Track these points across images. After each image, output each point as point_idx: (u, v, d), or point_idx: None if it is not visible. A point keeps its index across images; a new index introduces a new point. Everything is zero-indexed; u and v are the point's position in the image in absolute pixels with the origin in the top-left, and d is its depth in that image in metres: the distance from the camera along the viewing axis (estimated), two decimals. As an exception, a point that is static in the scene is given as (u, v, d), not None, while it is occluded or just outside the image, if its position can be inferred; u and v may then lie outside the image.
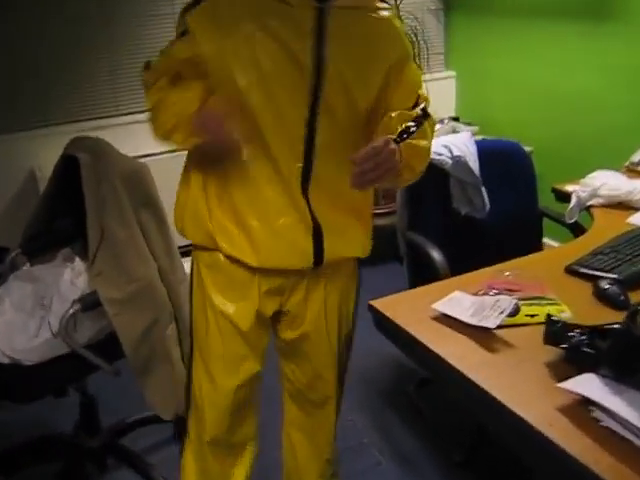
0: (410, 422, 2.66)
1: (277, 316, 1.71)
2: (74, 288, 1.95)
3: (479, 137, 3.71)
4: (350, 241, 1.67)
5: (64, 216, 2.27)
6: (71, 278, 1.97)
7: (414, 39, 3.67)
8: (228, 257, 1.59)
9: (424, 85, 1.65)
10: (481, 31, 3.92)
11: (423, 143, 1.52)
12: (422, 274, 2.44)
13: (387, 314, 1.72)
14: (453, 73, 4.17)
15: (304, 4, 1.44)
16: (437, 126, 3.88)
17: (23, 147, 3.25)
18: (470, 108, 4.13)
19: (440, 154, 2.41)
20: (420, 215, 2.48)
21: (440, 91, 4.00)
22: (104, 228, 1.94)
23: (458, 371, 1.46)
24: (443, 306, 1.67)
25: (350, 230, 1.66)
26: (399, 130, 1.47)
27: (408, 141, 1.46)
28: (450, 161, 2.40)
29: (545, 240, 2.78)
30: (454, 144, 2.43)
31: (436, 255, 2.27)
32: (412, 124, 1.48)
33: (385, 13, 1.56)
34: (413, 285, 2.53)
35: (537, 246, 2.60)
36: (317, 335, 1.73)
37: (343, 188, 1.48)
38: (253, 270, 1.59)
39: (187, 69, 1.50)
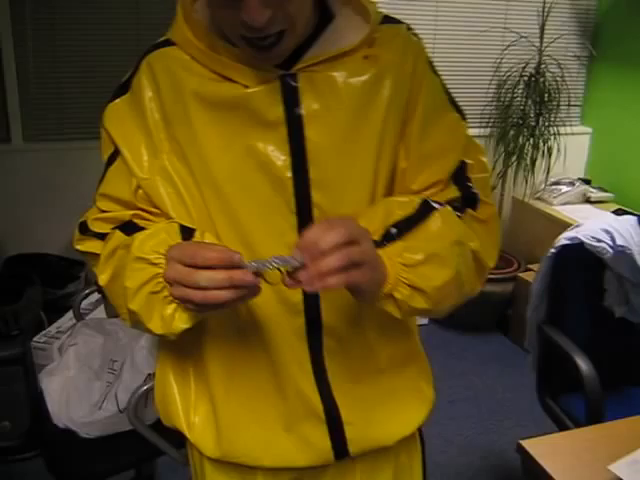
0: None
1: None
2: (151, 359, 1.63)
3: (614, 207, 3.27)
4: (393, 416, 1.07)
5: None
6: (149, 347, 1.64)
7: (556, 87, 3.23)
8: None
9: (481, 149, 1.03)
10: (627, 86, 3.45)
11: (439, 248, 0.88)
12: (558, 378, 2.05)
13: (544, 465, 1.32)
14: (589, 129, 3.70)
15: (264, 79, 0.89)
16: (564, 188, 3.44)
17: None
18: (604, 171, 3.65)
19: (599, 240, 1.98)
20: (562, 309, 2.06)
21: (572, 148, 3.55)
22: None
23: None
24: (625, 472, 1.26)
25: (394, 397, 1.08)
26: (379, 232, 0.88)
27: (407, 243, 0.87)
28: (611, 251, 1.97)
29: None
30: (617, 230, 2.00)
31: (584, 367, 1.84)
32: (403, 214, 0.89)
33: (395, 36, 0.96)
34: (542, 387, 2.11)
35: None
36: None
37: (373, 335, 1.02)
38: (251, 475, 1.08)
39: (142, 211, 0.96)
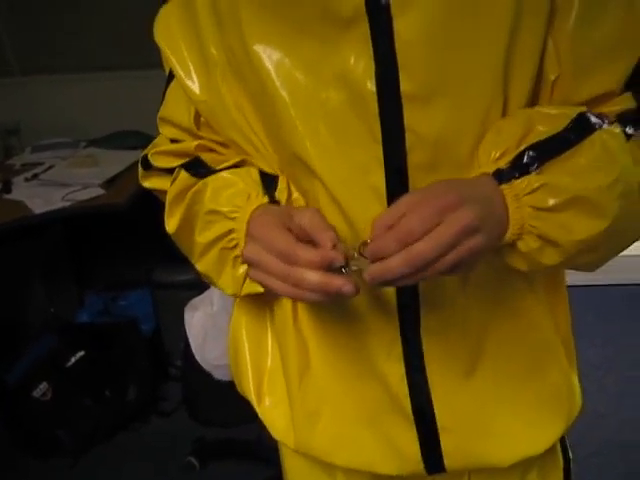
0: None
1: None
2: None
3: None
4: (515, 426, 0.81)
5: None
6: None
7: None
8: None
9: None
10: None
11: (587, 189, 0.63)
12: None
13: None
14: None
15: None
16: None
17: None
18: None
19: None
20: None
21: None
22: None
23: None
24: None
25: (518, 398, 0.81)
26: (509, 156, 0.66)
27: (544, 177, 0.64)
28: None
29: None
30: None
31: None
32: (548, 133, 0.65)
33: None
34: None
35: None
36: None
37: (491, 307, 0.77)
38: (331, 469, 0.91)
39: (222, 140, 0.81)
